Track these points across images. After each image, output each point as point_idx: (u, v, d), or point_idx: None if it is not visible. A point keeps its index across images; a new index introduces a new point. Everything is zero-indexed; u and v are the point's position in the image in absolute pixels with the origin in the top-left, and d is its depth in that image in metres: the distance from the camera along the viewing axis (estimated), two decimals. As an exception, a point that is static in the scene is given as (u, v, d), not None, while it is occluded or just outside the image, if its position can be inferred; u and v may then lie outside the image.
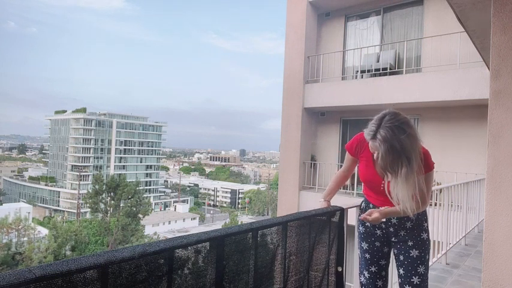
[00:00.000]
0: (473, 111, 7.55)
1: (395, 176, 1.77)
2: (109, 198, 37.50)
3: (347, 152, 2.12)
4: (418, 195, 1.81)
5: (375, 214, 1.90)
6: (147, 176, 77.27)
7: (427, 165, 1.88)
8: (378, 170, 1.93)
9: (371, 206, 2.07)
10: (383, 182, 1.94)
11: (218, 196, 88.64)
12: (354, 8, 9.46)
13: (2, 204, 48.57)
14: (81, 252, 32.86)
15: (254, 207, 69.90)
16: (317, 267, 1.91)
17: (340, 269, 2.02)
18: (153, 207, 56.48)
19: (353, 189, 8.45)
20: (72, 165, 68.67)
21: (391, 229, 2.01)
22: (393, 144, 1.70)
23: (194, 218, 60.55)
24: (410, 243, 1.96)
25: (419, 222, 1.98)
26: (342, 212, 2.09)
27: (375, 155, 1.80)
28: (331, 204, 2.16)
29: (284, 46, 9.81)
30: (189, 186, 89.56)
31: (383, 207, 1.95)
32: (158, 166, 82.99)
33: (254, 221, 1.64)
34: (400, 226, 1.98)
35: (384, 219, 2.00)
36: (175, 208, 66.89)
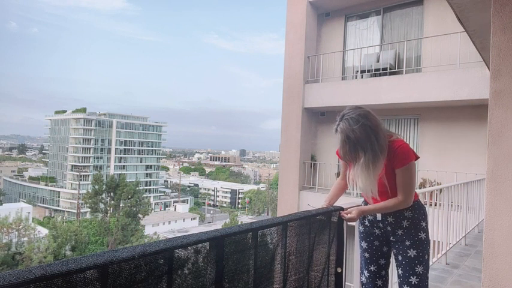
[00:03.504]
0: (473, 112, 7.55)
1: (354, 165, 1.87)
2: (109, 198, 37.53)
3: (338, 157, 2.13)
4: (389, 189, 1.87)
5: (352, 213, 1.96)
6: (147, 176, 77.22)
7: (398, 158, 1.86)
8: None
9: (370, 206, 2.08)
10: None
11: (218, 196, 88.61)
12: (354, 8, 9.45)
13: (1, 204, 48.53)
14: (81, 252, 32.85)
15: (254, 207, 69.83)
16: (317, 267, 1.91)
17: (339, 270, 2.02)
18: (153, 207, 56.50)
19: (353, 190, 8.44)
20: (72, 165, 68.63)
21: (389, 228, 2.00)
22: (348, 134, 1.79)
23: (194, 218, 60.49)
24: (407, 243, 1.95)
25: (416, 221, 1.96)
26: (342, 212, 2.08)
27: None
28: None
29: (284, 46, 9.82)
30: (189, 186, 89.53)
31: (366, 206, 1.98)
32: (158, 166, 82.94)
33: (254, 221, 1.64)
34: (396, 225, 1.98)
35: (380, 218, 2.00)
36: (175, 208, 66.82)
